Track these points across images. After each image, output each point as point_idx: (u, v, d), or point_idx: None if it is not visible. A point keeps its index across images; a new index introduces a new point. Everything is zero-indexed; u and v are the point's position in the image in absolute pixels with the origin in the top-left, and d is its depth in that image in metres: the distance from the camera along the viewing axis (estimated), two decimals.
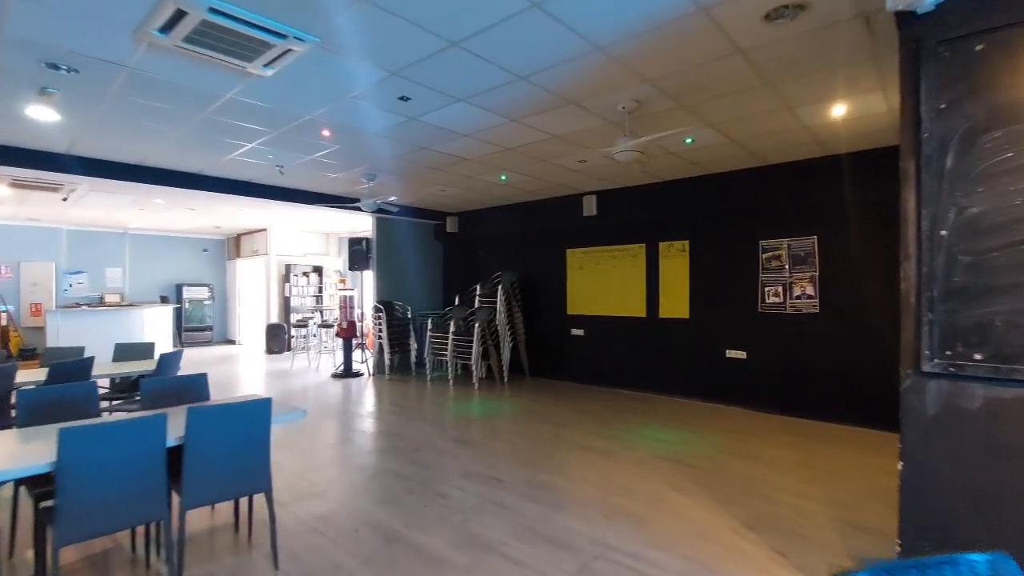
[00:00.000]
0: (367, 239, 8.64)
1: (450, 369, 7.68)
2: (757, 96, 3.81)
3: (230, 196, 6.64)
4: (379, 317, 8.21)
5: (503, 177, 6.48)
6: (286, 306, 11.84)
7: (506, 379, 7.78)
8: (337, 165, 5.83)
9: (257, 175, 6.30)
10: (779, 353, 5.80)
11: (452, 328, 7.61)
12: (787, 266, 5.75)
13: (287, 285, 11.84)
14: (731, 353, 6.15)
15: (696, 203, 6.35)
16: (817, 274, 5.56)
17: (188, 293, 12.80)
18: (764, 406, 5.88)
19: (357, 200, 6.53)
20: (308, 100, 3.87)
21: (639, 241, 6.97)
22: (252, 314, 12.81)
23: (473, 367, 7.39)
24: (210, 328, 13.13)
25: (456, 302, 8.52)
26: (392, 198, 6.28)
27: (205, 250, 13.56)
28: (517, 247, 8.48)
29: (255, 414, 2.64)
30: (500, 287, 7.77)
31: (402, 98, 3.82)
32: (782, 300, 5.78)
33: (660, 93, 3.74)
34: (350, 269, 8.69)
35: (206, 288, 13.12)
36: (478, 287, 8.19)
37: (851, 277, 5.36)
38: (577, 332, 7.65)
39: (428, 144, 5.03)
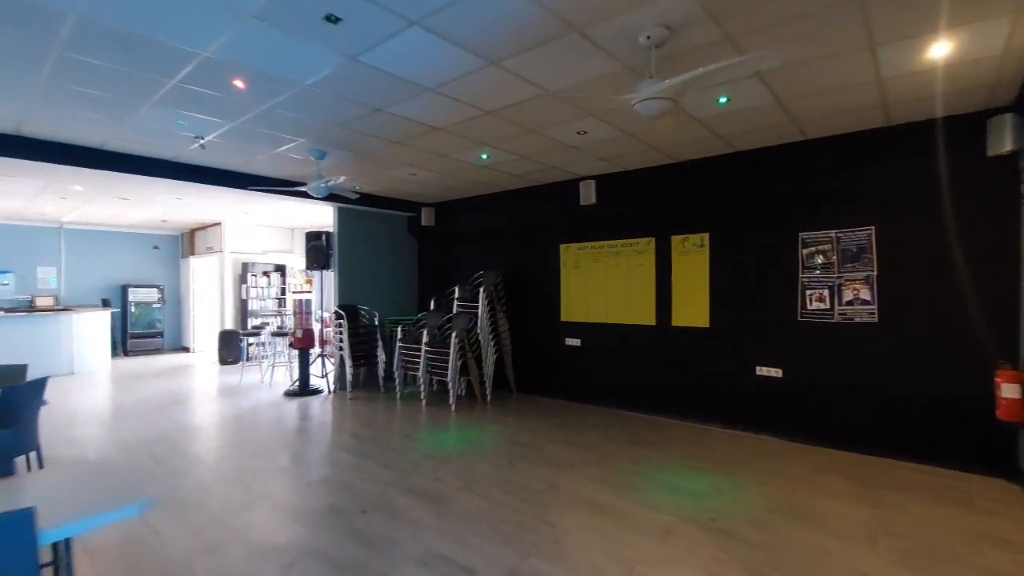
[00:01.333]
0: (327, 233, 7.41)
1: (423, 386, 6.48)
2: (839, 20, 2.67)
3: (145, 179, 5.38)
4: (340, 324, 6.98)
5: (484, 156, 5.30)
6: (243, 310, 10.54)
7: (489, 397, 6.60)
8: (271, 137, 4.61)
9: (174, 150, 5.04)
10: (824, 371, 4.70)
11: (425, 338, 6.42)
12: (835, 264, 4.65)
13: (244, 286, 10.54)
14: (763, 370, 5.04)
15: (719, 188, 5.23)
16: (874, 274, 4.47)
17: (134, 295, 11.42)
18: (805, 436, 4.78)
19: (303, 184, 5.32)
20: (191, 23, 2.66)
21: (647, 234, 5.83)
22: (207, 319, 11.47)
23: (450, 386, 6.20)
24: (160, 335, 11.75)
25: (432, 307, 7.32)
26: (343, 179, 5.06)
27: (155, 247, 12.18)
28: (502, 243, 7.30)
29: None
30: (482, 290, 6.59)
31: (330, 18, 2.62)
32: (828, 306, 4.68)
33: (704, 13, 2.59)
34: (308, 268, 7.47)
35: (155, 290, 11.75)
36: (456, 289, 7.00)
37: (920, 278, 4.27)
38: (572, 342, 6.50)
39: (383, 104, 3.84)
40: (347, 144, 4.87)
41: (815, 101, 3.79)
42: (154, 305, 11.71)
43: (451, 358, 6.14)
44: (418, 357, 6.46)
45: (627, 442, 4.87)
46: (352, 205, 7.24)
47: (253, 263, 10.76)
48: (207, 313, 11.47)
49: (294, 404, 6.56)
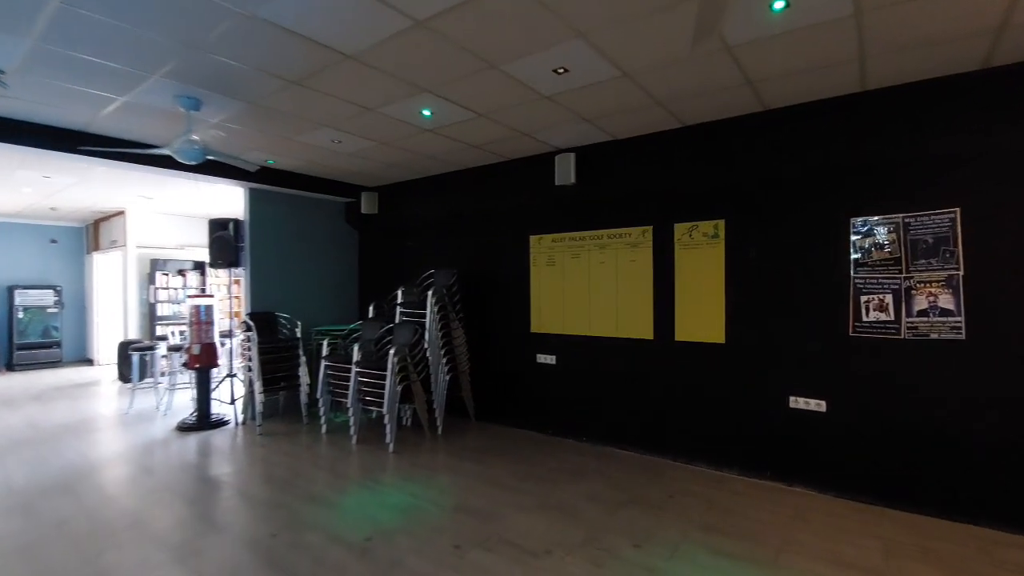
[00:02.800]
0: (236, 221, 5.85)
1: (353, 418, 5.02)
2: None
3: None
4: (249, 337, 5.45)
5: (427, 113, 3.90)
6: (151, 315, 8.81)
7: (440, 429, 5.19)
8: (103, 72, 3.09)
9: None
10: (886, 405, 3.48)
11: (356, 356, 4.96)
12: (902, 260, 3.44)
13: (152, 287, 8.81)
14: (799, 402, 3.79)
15: (741, 159, 3.96)
16: (960, 273, 3.26)
17: (23, 298, 9.53)
18: (857, 490, 3.55)
19: (156, 147, 3.79)
20: None
21: (642, 222, 4.52)
22: (110, 326, 9.66)
23: (386, 420, 4.75)
24: (57, 344, 9.88)
25: (371, 314, 5.85)
26: (215, 134, 3.58)
27: (54, 241, 10.28)
28: (459, 234, 5.88)
29: None
30: (431, 293, 5.17)
31: None
32: (892, 317, 3.46)
33: None
34: (211, 265, 5.91)
35: (51, 291, 9.86)
36: (400, 293, 5.56)
37: None
38: (545, 359, 5.15)
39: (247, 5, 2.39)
40: (225, 86, 3.38)
41: (905, 14, 2.52)
42: (49, 310, 9.83)
43: (388, 382, 4.70)
44: (347, 380, 4.99)
45: (621, 502, 3.55)
46: (269, 186, 5.71)
47: (164, 260, 9.03)
48: (110, 319, 9.66)
49: (184, 444, 5.00)
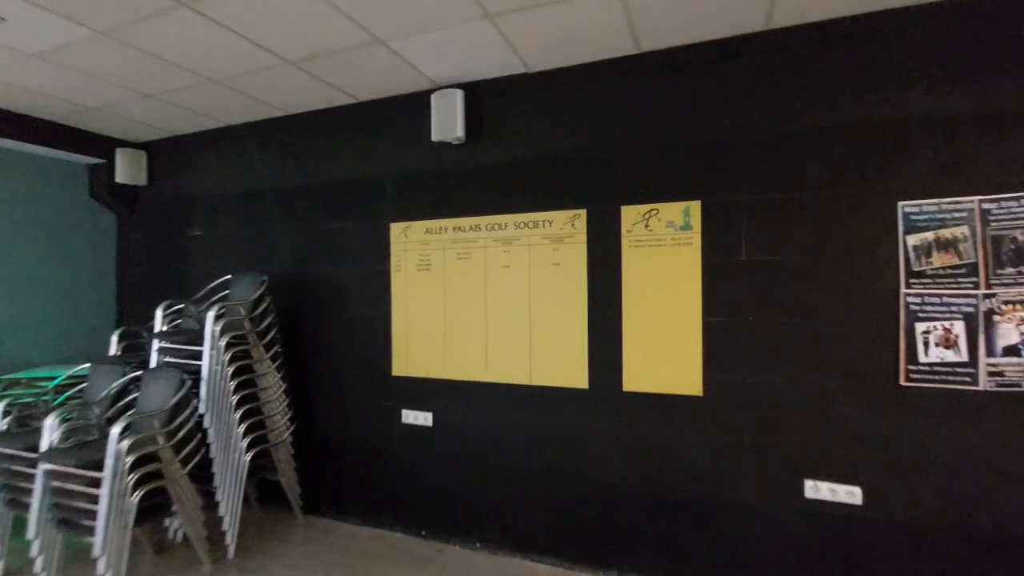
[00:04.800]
0: None
1: (42, 551, 2.65)
2: None
3: None
4: None
5: None
6: None
7: (234, 546, 3.01)
8: None
9: None
10: (956, 497, 2.21)
11: (52, 434, 2.62)
12: (978, 267, 2.20)
13: None
14: (819, 489, 2.40)
15: (728, 103, 2.51)
16: None
17: None
18: None
19: None
20: None
21: (571, 203, 2.87)
22: None
23: (97, 550, 2.47)
24: None
25: (115, 350, 3.48)
26: None
27: None
28: (276, 219, 3.73)
29: None
30: (212, 316, 2.99)
31: None
32: (966, 357, 2.20)
33: None
34: None
35: None
36: (159, 312, 3.30)
37: None
38: (416, 419, 3.25)
39: None
40: None
41: None
42: None
43: (106, 490, 2.45)
44: (32, 479, 2.62)
45: None
46: None
47: None
48: None
49: None
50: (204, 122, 3.77)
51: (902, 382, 2.28)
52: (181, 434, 2.77)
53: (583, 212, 2.83)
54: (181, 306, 3.46)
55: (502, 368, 2.99)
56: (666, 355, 2.64)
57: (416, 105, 3.15)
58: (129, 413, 2.90)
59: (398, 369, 3.28)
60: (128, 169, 4.11)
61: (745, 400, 2.52)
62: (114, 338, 3.47)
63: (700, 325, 2.59)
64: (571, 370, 2.83)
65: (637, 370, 2.70)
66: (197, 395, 2.93)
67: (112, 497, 2.48)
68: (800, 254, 2.43)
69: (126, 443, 2.50)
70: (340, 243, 3.47)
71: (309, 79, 3.02)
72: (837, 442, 2.38)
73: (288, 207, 3.65)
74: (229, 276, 3.46)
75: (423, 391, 3.21)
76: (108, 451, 2.49)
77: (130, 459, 2.52)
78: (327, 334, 3.50)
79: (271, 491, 3.46)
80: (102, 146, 4.06)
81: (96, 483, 2.51)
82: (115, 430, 2.51)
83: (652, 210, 2.68)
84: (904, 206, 2.30)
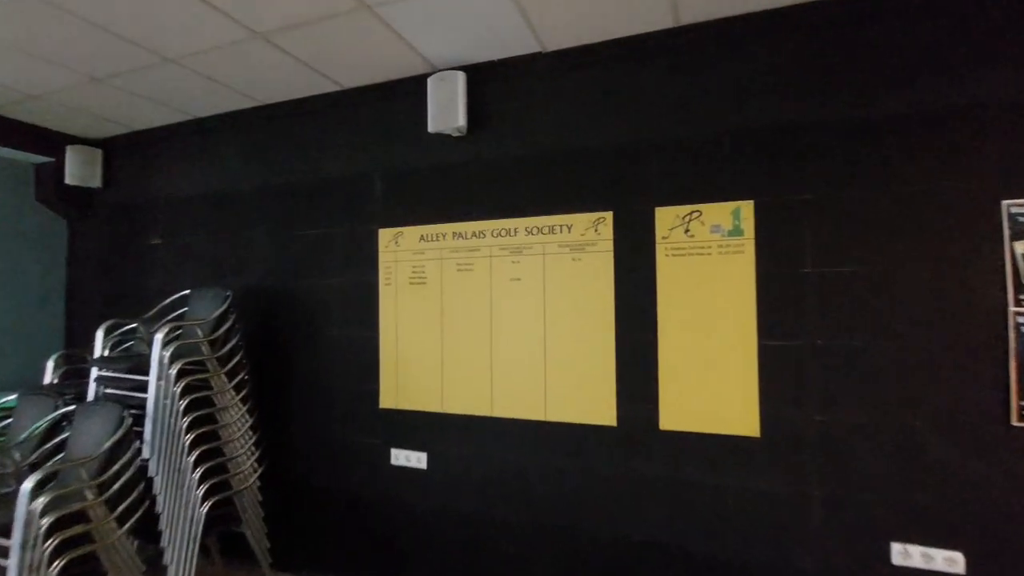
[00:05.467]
0: None
1: None
2: None
3: None
4: None
5: None
6: None
7: None
8: None
9: None
10: None
11: None
12: None
13: None
14: (911, 555, 1.93)
15: (781, 88, 2.10)
16: None
17: None
18: None
19: None
20: None
21: (594, 204, 2.42)
22: None
23: None
24: None
25: (51, 377, 2.95)
26: None
27: None
28: (245, 225, 3.24)
29: None
30: (160, 338, 2.48)
31: None
32: None
33: None
34: None
35: None
36: (100, 334, 2.78)
37: None
38: (408, 460, 2.74)
39: None
40: None
41: None
42: None
43: (13, 561, 1.93)
44: None
45: None
46: None
47: None
48: None
49: None
50: (167, 115, 3.30)
51: (1014, 422, 1.84)
52: (117, 486, 2.24)
53: (609, 215, 2.38)
54: (133, 326, 2.95)
55: (511, 401, 2.51)
56: (713, 386, 2.18)
57: (410, 92, 2.71)
58: (56, 459, 2.39)
59: (387, 401, 2.78)
60: (80, 169, 3.61)
61: (813, 443, 2.06)
62: (50, 364, 2.94)
63: (755, 350, 2.13)
64: (595, 404, 2.35)
65: (677, 404, 2.23)
66: (141, 436, 2.42)
67: (22, 573, 1.95)
68: (881, 264, 2.00)
69: (40, 503, 1.98)
70: (320, 252, 2.98)
71: (284, 59, 2.56)
72: (932, 496, 1.92)
73: (261, 211, 3.17)
74: (188, 291, 2.96)
75: (416, 427, 2.71)
76: (17, 513, 1.96)
77: (47, 521, 2.00)
78: (303, 359, 3.00)
79: (236, 542, 2.92)
80: (50, 142, 3.56)
81: (4, 552, 1.99)
82: (26, 486, 1.99)
83: (693, 212, 2.24)
84: (1010, 206, 1.88)
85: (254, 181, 3.18)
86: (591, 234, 2.40)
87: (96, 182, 3.69)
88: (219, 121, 3.26)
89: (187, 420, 2.52)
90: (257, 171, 3.18)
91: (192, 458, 2.54)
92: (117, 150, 3.68)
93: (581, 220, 2.42)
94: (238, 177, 3.23)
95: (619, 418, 2.32)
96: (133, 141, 3.60)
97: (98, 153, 3.69)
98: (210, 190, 3.32)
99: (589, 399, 2.36)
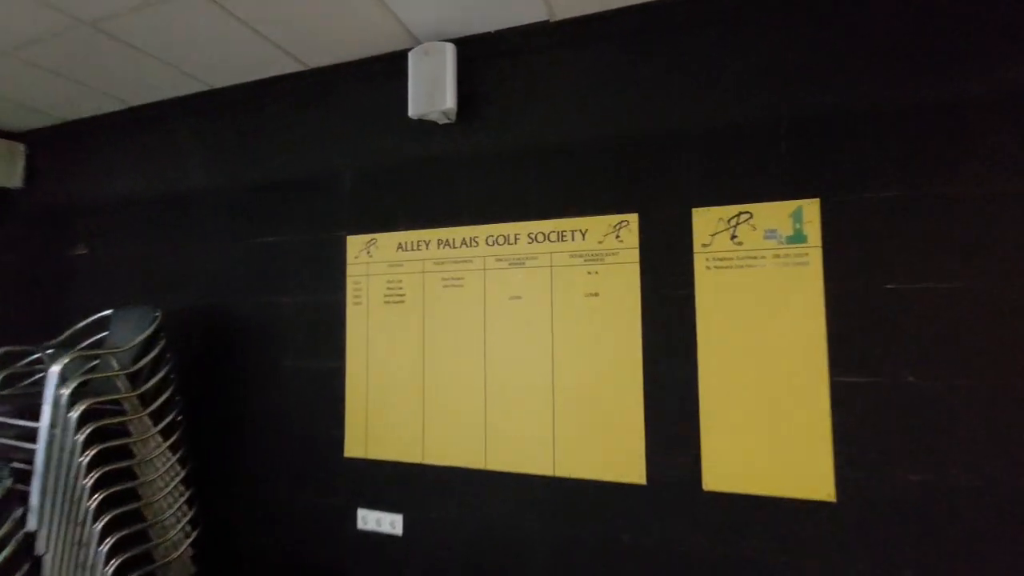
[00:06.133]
0: None
1: None
2: None
3: None
4: None
5: None
6: None
7: None
8: None
9: None
10: None
11: None
12: None
13: None
14: None
15: (853, 62, 1.68)
16: None
17: None
18: None
19: None
20: None
21: (615, 204, 1.95)
22: None
23: None
24: None
25: None
26: None
27: None
28: (189, 229, 2.71)
29: None
30: (57, 372, 1.93)
31: None
32: None
33: None
34: None
35: None
36: None
37: None
38: (378, 523, 2.19)
39: None
40: None
41: None
42: None
43: None
44: None
45: None
46: None
47: None
48: None
49: None
50: (98, 102, 2.78)
51: None
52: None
53: (633, 218, 1.91)
54: (37, 356, 2.39)
55: (510, 451, 1.99)
56: (772, 435, 1.70)
57: (388, 73, 2.25)
58: None
59: (353, 449, 2.24)
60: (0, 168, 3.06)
61: (906, 510, 1.58)
62: None
63: (826, 388, 1.66)
64: (619, 456, 1.85)
65: (724, 458, 1.74)
66: (26, 501, 1.84)
67: None
68: (991, 279, 1.56)
69: None
70: (275, 264, 2.46)
71: (238, 28, 2.08)
72: None
73: (207, 216, 2.64)
74: (110, 312, 2.41)
75: (390, 483, 2.17)
76: None
77: None
78: (252, 396, 2.45)
79: None
80: None
81: None
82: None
83: (741, 213, 1.79)
84: None
85: (200, 181, 2.66)
86: (611, 241, 1.93)
87: (16, 181, 3.13)
88: (159, 110, 2.75)
89: (93, 477, 1.95)
90: (203, 169, 2.66)
91: (99, 526, 1.96)
92: (43, 144, 3.13)
93: (599, 224, 1.95)
94: (181, 176, 2.71)
95: (650, 475, 1.82)
96: (62, 133, 3.06)
97: (18, 148, 3.14)
98: (148, 191, 2.79)
99: (611, 450, 1.86)
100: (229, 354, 2.49)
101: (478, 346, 2.06)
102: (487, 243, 2.09)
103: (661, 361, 1.84)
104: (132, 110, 2.82)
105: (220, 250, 2.58)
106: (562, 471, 1.92)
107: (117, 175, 2.86)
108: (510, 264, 2.05)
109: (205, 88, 2.64)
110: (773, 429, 1.70)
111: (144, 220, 2.78)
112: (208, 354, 2.51)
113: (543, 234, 2.02)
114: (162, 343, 2.25)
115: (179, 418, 2.29)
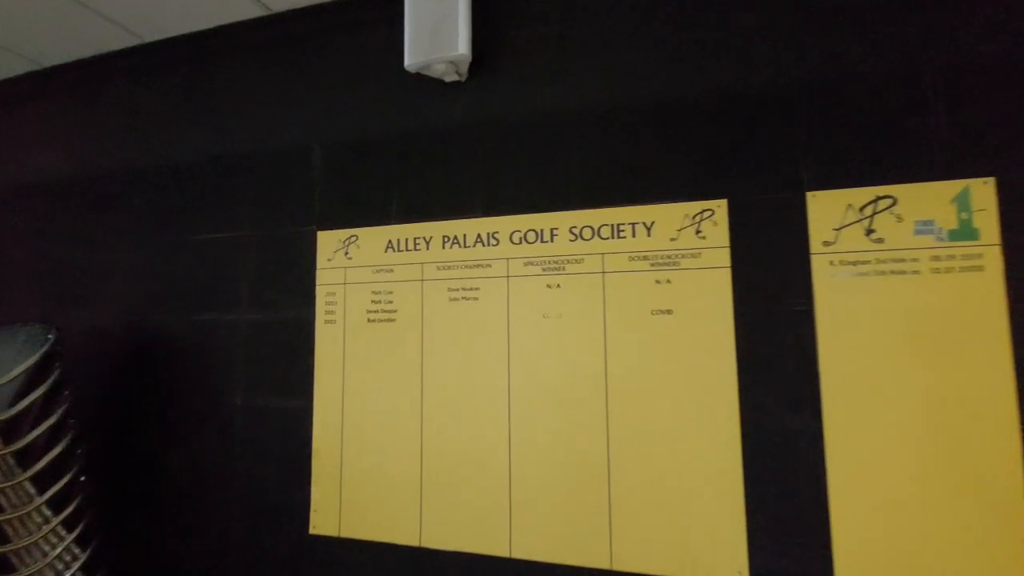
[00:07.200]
0: None
1: None
2: None
3: None
4: None
5: None
6: None
7: None
8: None
9: None
10: None
11: None
12: None
13: None
14: None
15: None
16: None
17: None
18: None
19: None
20: None
21: (690, 189, 1.42)
22: None
23: None
24: None
25: None
26: None
27: None
28: (112, 223, 2.09)
29: None
30: None
31: None
32: None
33: None
34: None
35: None
36: None
37: None
38: None
39: None
40: None
41: None
42: None
43: None
44: None
45: None
46: None
47: None
48: None
49: None
50: (6, 61, 2.17)
51: None
52: None
53: (721, 205, 1.38)
54: None
55: (545, 532, 1.41)
56: (943, 515, 1.16)
57: (376, 18, 1.69)
58: None
59: (323, 522, 1.63)
60: None
61: None
62: None
63: (1020, 442, 1.14)
64: (705, 544, 1.29)
65: (870, 548, 1.20)
66: None
67: None
68: None
69: None
70: (222, 268, 1.86)
71: None
72: None
73: (133, 205, 2.03)
74: (16, 324, 1.77)
75: (374, 573, 1.57)
76: None
77: None
78: (185, 448, 1.82)
79: None
80: None
81: None
82: None
83: (880, 198, 1.27)
84: None
85: (124, 159, 2.05)
86: (689, 238, 1.39)
87: None
88: (76, 71, 2.14)
89: None
90: (131, 144, 2.05)
91: None
92: None
93: (671, 214, 1.41)
94: (99, 153, 2.09)
95: (754, 573, 1.26)
96: None
97: None
98: (53, 172, 2.16)
99: (693, 536, 1.30)
100: (155, 390, 1.86)
101: (499, 383, 1.49)
102: (511, 241, 1.53)
103: (765, 408, 1.29)
104: (41, 73, 2.20)
105: (147, 249, 1.96)
106: (621, 565, 1.35)
107: (12, 154, 2.23)
108: (544, 269, 1.50)
109: (137, 42, 2.05)
110: (944, 506, 1.16)
111: (46, 209, 2.15)
112: (125, 391, 1.88)
113: (591, 228, 1.47)
114: (55, 375, 1.62)
115: (80, 478, 1.66)
